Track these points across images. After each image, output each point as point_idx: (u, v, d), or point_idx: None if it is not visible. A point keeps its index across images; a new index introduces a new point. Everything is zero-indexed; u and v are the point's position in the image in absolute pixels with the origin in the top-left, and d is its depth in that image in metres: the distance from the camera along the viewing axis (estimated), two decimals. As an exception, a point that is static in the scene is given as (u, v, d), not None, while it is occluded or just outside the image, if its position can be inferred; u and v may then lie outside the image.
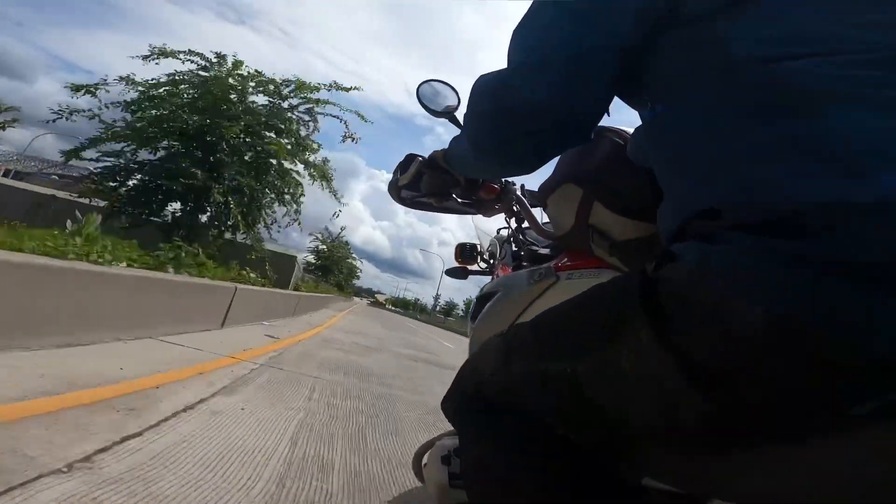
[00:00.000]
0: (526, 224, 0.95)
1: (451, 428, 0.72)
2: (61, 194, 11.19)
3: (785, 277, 0.33)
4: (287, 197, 7.33)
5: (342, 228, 25.72)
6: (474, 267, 1.25)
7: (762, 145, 0.38)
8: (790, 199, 0.35)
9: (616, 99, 0.57)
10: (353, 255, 29.31)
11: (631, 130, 0.67)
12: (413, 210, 0.92)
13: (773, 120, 0.38)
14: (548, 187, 0.74)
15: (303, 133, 7.12)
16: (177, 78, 6.55)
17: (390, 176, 0.88)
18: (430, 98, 0.89)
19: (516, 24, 0.55)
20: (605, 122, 0.59)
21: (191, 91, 6.55)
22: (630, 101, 0.58)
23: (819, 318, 0.31)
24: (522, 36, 0.54)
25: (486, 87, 0.56)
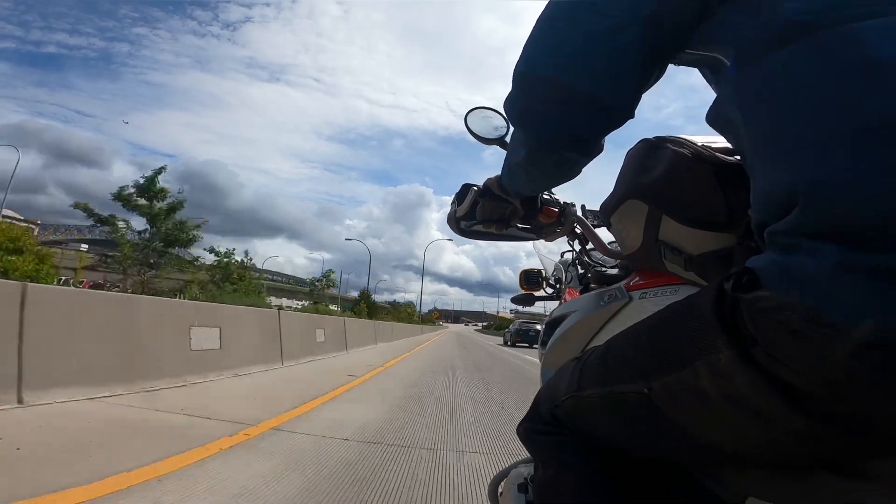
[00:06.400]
0: (590, 245, 0.93)
1: (528, 455, 0.70)
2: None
3: (880, 294, 0.31)
4: None
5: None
6: (540, 293, 1.23)
7: (846, 127, 0.35)
8: (879, 201, 0.32)
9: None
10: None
11: (689, 138, 0.64)
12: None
13: (857, 94, 0.35)
14: (610, 205, 0.72)
15: None
16: None
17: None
18: (478, 126, 0.89)
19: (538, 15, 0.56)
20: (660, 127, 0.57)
21: None
22: (693, 63, 0.55)
23: None
24: (544, 22, 0.54)
25: (518, 81, 0.57)
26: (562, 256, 1.13)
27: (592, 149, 0.59)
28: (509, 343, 24.11)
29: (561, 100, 0.53)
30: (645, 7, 0.48)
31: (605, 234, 0.85)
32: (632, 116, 0.55)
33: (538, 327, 24.13)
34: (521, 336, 24.08)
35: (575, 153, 0.60)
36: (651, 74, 0.53)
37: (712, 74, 0.51)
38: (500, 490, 0.90)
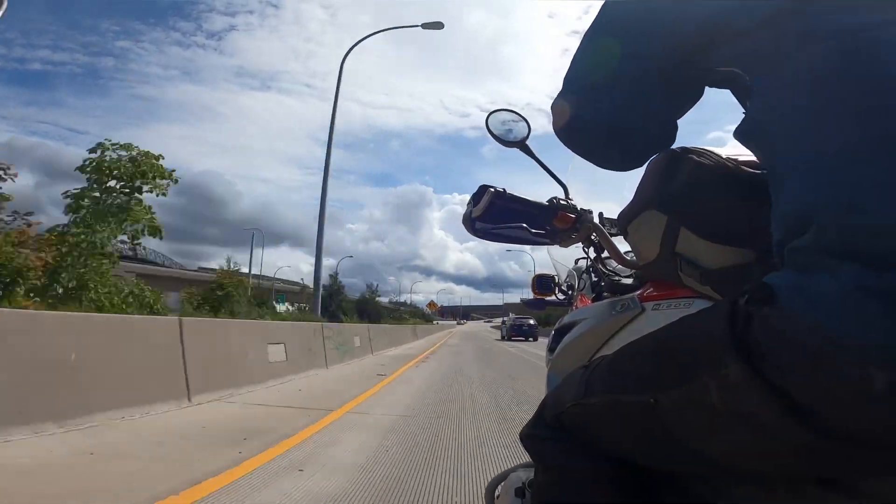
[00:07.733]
0: (605, 253, 0.92)
1: (527, 459, 0.71)
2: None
3: (894, 315, 0.31)
4: None
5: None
6: (552, 298, 1.23)
7: (860, 143, 0.35)
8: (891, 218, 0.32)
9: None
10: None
11: (713, 149, 0.64)
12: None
13: (871, 107, 0.35)
14: (628, 215, 0.71)
15: None
16: None
17: (461, 197, 0.89)
18: (499, 129, 0.89)
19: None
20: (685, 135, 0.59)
21: None
22: (718, 82, 0.56)
23: None
24: (575, 62, 0.57)
25: (555, 115, 0.59)
26: (576, 263, 1.13)
27: (638, 165, 0.63)
28: (505, 338, 24.27)
29: (583, 132, 0.57)
30: (656, 47, 0.50)
31: (621, 243, 0.85)
32: (669, 144, 0.57)
33: (531, 321, 24.28)
34: (515, 331, 24.31)
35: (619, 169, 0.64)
36: (683, 102, 0.55)
37: (739, 90, 0.52)
38: (497, 493, 0.90)
